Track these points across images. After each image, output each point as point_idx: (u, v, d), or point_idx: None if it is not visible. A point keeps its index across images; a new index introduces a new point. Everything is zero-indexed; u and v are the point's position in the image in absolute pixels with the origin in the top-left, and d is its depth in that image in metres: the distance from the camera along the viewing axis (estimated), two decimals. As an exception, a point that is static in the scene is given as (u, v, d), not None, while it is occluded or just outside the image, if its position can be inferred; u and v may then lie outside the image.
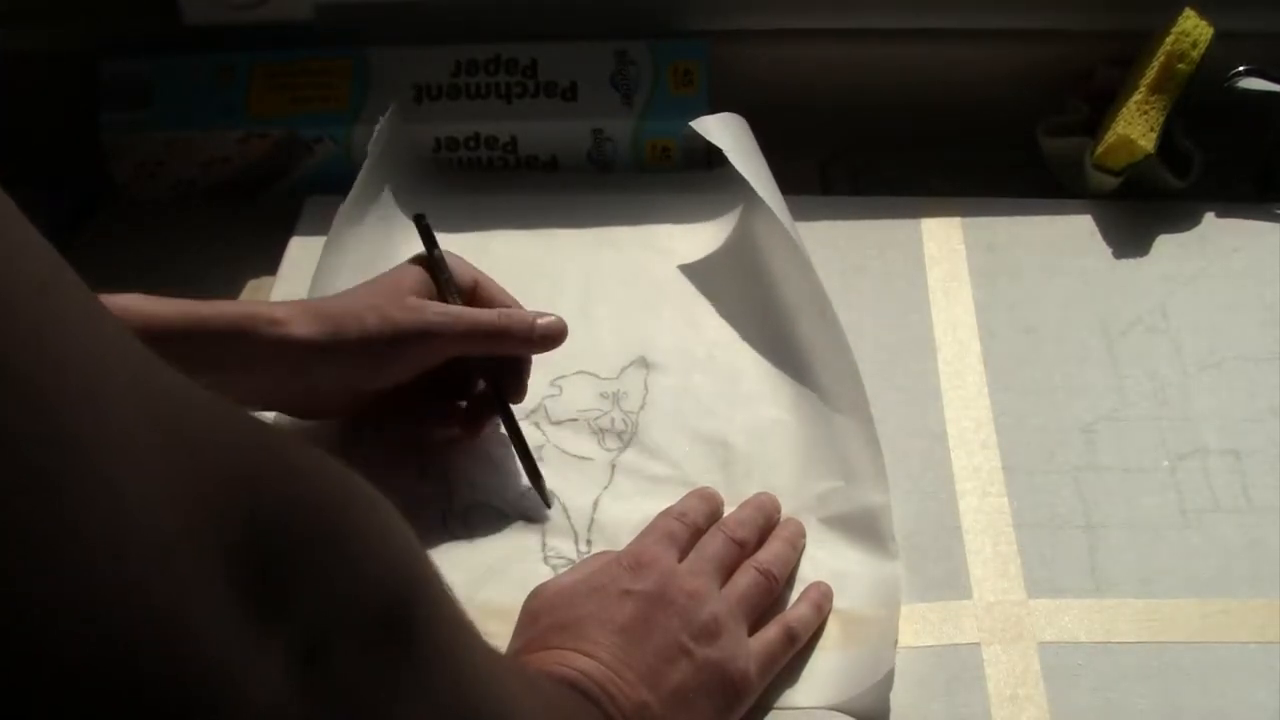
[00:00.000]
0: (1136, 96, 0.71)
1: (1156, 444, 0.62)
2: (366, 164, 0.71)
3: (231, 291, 0.74)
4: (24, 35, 0.80)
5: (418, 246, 0.64)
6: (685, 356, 0.68)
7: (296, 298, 0.66)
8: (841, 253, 0.72)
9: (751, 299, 0.70)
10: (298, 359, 0.57)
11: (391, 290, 0.60)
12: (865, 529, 0.59)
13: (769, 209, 0.67)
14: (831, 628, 0.56)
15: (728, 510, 0.60)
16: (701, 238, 0.74)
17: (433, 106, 0.78)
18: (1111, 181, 0.73)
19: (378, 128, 0.73)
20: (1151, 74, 0.71)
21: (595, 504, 0.62)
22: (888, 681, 0.53)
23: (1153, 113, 0.71)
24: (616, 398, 0.66)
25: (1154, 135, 0.71)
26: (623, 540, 0.59)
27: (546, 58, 0.78)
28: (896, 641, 0.54)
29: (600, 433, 0.65)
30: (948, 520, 0.60)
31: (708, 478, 0.62)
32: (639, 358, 0.68)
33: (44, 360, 0.25)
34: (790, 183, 0.69)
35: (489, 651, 0.39)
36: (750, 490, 0.61)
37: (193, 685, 0.25)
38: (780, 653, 0.53)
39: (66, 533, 0.24)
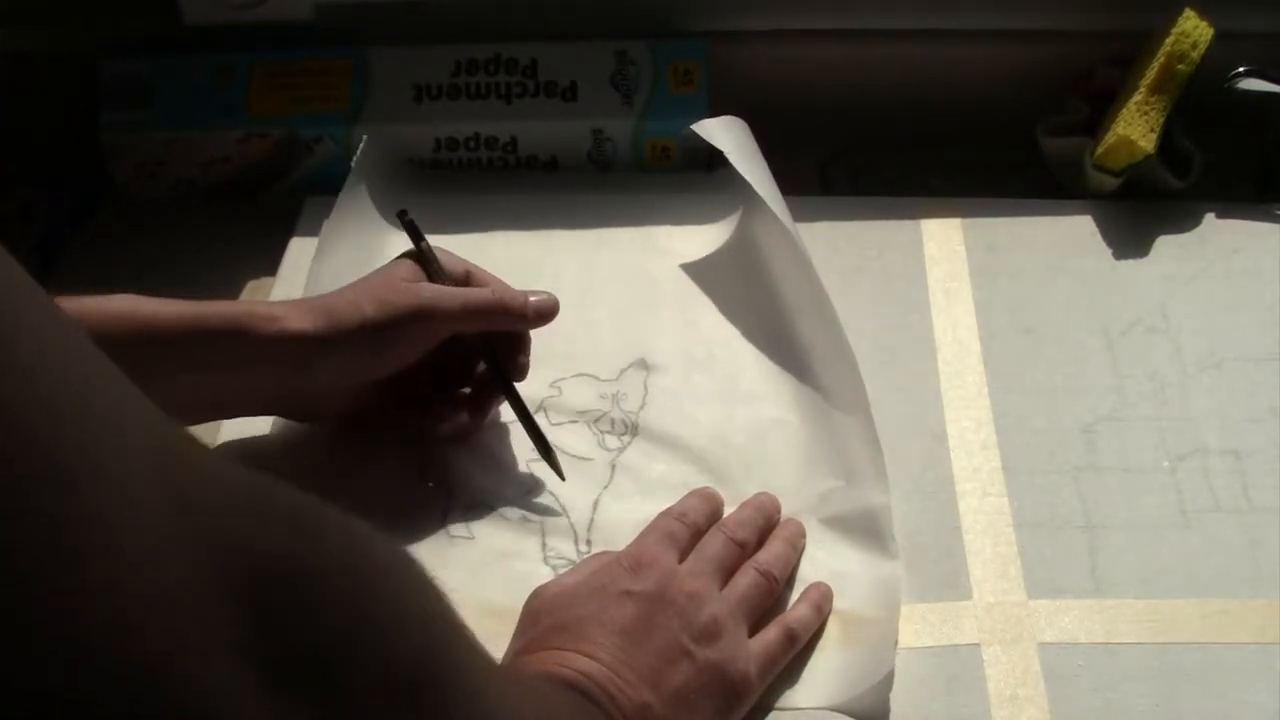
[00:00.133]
0: (1137, 97, 0.71)
1: (1157, 444, 0.62)
2: (348, 181, 0.72)
3: (231, 291, 0.74)
4: (24, 35, 0.80)
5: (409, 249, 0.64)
6: (685, 357, 0.68)
7: (295, 298, 0.66)
8: (841, 253, 0.72)
9: (751, 299, 0.70)
10: (298, 353, 0.57)
11: (385, 279, 0.60)
12: (865, 529, 0.59)
13: (769, 210, 0.67)
14: (831, 628, 0.56)
15: (728, 511, 0.60)
16: (701, 239, 0.74)
17: (433, 106, 0.78)
18: (1112, 182, 0.73)
19: (356, 156, 0.73)
20: (1152, 74, 0.71)
21: (595, 504, 0.62)
22: (888, 682, 0.53)
23: (1153, 113, 0.71)
24: (616, 398, 0.66)
25: (1154, 136, 0.71)
26: (623, 540, 0.59)
27: (546, 58, 0.78)
28: (896, 642, 0.54)
29: (600, 433, 0.65)
30: (948, 521, 0.60)
31: (708, 477, 0.62)
32: (639, 359, 0.68)
33: (47, 411, 0.26)
34: (790, 183, 0.69)
35: (515, 691, 0.38)
36: (751, 490, 0.61)
37: None
38: (780, 654, 0.53)
39: (64, 565, 0.24)
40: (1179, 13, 0.72)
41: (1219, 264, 0.71)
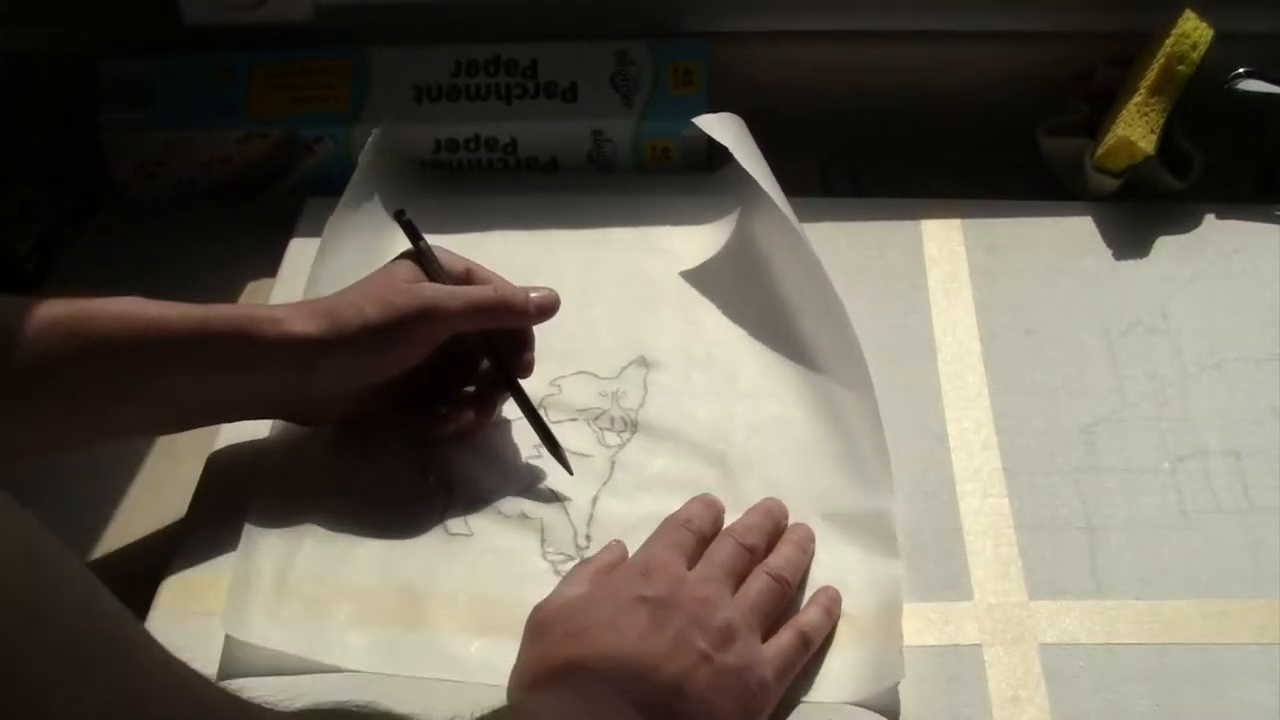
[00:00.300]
0: (1137, 98, 0.71)
1: (1157, 445, 0.62)
2: (353, 179, 0.71)
3: (231, 292, 0.74)
4: (24, 35, 0.80)
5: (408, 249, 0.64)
6: (684, 355, 0.68)
7: (296, 299, 0.66)
8: (841, 253, 0.72)
9: (751, 298, 0.70)
10: (301, 357, 0.57)
11: (386, 280, 0.60)
12: (869, 529, 0.58)
13: (770, 208, 0.67)
14: (840, 629, 0.55)
15: (730, 516, 0.60)
16: (701, 239, 0.74)
17: (433, 107, 0.78)
18: (1112, 183, 0.73)
19: (364, 151, 0.73)
20: (1152, 75, 0.71)
21: (594, 501, 0.62)
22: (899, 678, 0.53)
23: (1153, 114, 0.71)
24: (616, 396, 0.66)
25: (1154, 137, 0.71)
26: (622, 537, 0.59)
27: (546, 58, 0.78)
28: (903, 639, 0.54)
29: (600, 430, 0.65)
30: (948, 521, 0.60)
31: (708, 474, 0.62)
32: (638, 357, 0.68)
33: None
34: (790, 183, 0.69)
35: None
36: (752, 486, 0.61)
37: None
38: (795, 658, 0.53)
39: None
40: (1179, 13, 0.72)
41: (1219, 264, 0.71)
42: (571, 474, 0.62)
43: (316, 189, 0.77)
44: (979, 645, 0.55)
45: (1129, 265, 0.71)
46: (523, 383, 0.63)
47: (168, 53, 0.79)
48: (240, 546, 0.58)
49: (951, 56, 0.79)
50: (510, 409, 0.64)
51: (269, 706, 0.36)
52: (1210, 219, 0.73)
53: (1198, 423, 0.63)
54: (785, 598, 0.55)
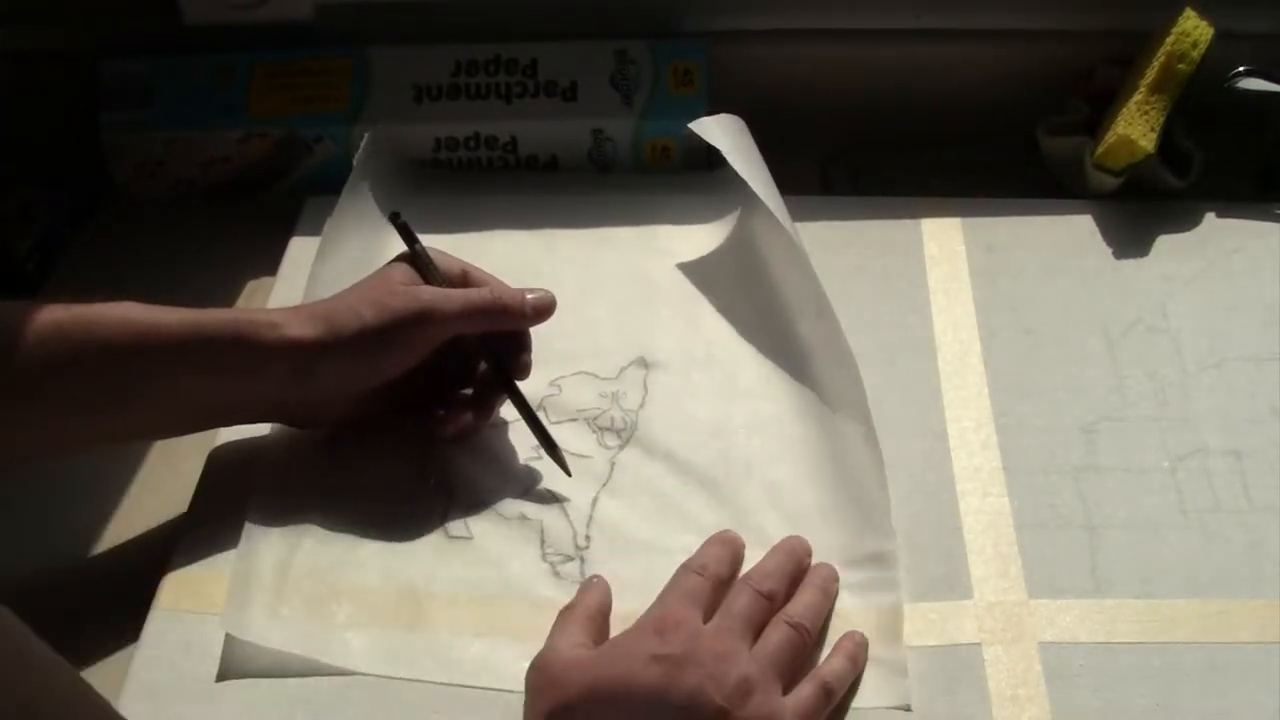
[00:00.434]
0: (1137, 97, 0.71)
1: (1157, 444, 0.62)
2: (349, 181, 0.71)
3: (231, 292, 0.74)
4: (24, 35, 0.80)
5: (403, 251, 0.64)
6: (684, 356, 0.68)
7: (296, 298, 0.66)
8: (841, 253, 0.72)
9: (751, 298, 0.70)
10: (299, 361, 0.57)
11: (382, 283, 0.60)
12: (863, 532, 0.58)
13: (763, 209, 0.67)
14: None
15: (731, 522, 0.59)
16: (701, 239, 0.74)
17: (433, 106, 0.78)
18: (1112, 181, 0.73)
19: (358, 154, 0.73)
20: (1152, 74, 0.71)
21: (594, 502, 0.62)
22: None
23: (1153, 113, 0.71)
24: (616, 397, 0.66)
25: (1154, 135, 0.71)
26: (622, 538, 0.59)
27: (546, 58, 0.78)
28: (905, 649, 0.54)
29: (600, 431, 0.65)
30: (948, 520, 0.60)
31: (708, 475, 0.62)
32: (638, 357, 0.68)
33: None
34: (790, 183, 0.69)
35: None
36: (751, 489, 0.61)
37: None
38: (817, 710, 0.51)
39: None
40: (1179, 13, 0.72)
41: (1219, 264, 0.71)
42: (569, 475, 0.62)
43: (316, 189, 0.77)
44: (979, 644, 0.55)
45: (1129, 264, 0.71)
46: (522, 384, 0.63)
47: (168, 53, 0.79)
48: (240, 545, 0.58)
49: (951, 56, 0.79)
50: (509, 410, 0.64)
51: None
52: (1210, 218, 0.73)
53: (1198, 422, 0.63)
54: (806, 646, 0.53)
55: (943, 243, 0.73)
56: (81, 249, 0.79)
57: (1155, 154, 0.71)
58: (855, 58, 0.80)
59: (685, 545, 0.58)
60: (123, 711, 0.42)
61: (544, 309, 0.62)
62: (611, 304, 0.71)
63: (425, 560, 0.59)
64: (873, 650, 0.54)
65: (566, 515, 0.61)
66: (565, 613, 0.55)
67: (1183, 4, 0.72)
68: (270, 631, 0.55)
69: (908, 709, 0.53)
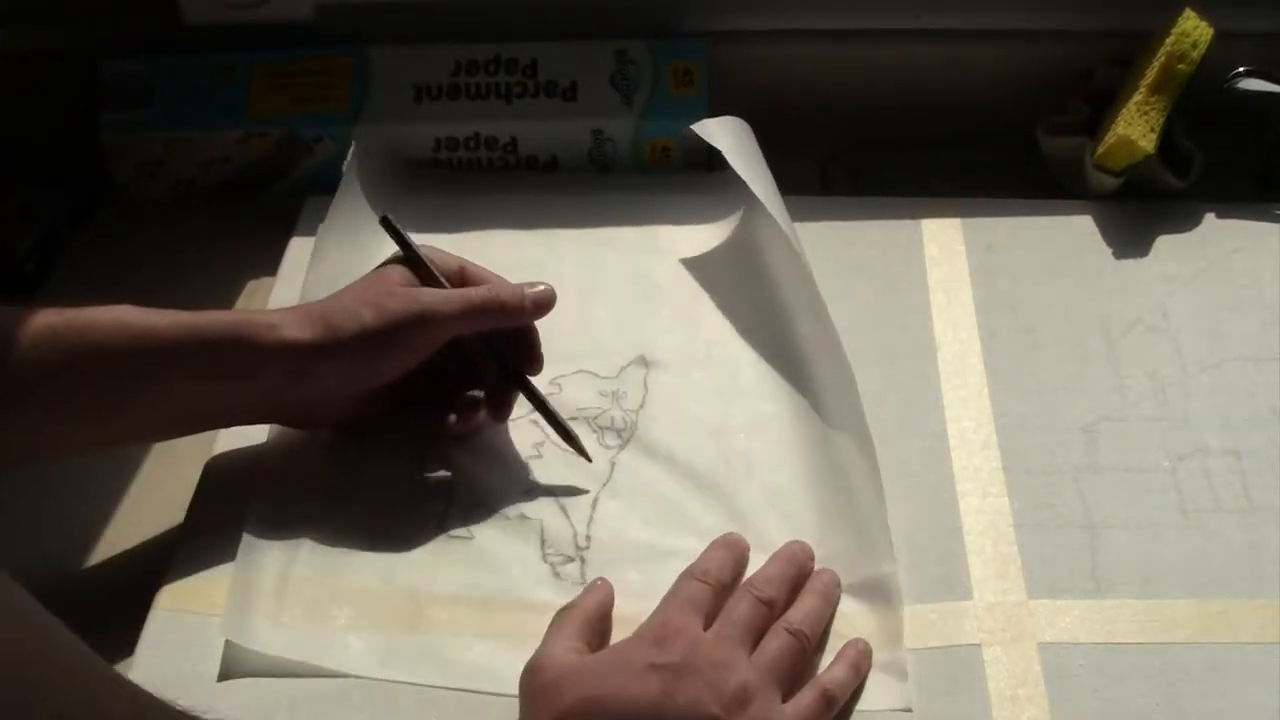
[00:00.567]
0: (1137, 97, 0.71)
1: (1157, 444, 0.62)
2: (340, 187, 0.71)
3: (231, 292, 0.74)
4: (24, 35, 0.80)
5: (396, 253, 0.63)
6: (684, 355, 0.68)
7: (296, 298, 0.66)
8: (841, 253, 0.72)
9: (751, 298, 0.70)
10: (296, 362, 0.56)
11: (380, 284, 0.59)
12: (862, 532, 0.58)
13: (764, 212, 0.67)
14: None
15: (732, 524, 0.59)
16: (701, 239, 0.74)
17: (433, 106, 0.78)
18: (1112, 182, 0.73)
19: (345, 164, 0.73)
20: (1152, 74, 0.71)
21: (594, 502, 0.62)
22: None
23: (1153, 113, 0.71)
24: (616, 396, 0.66)
25: (1154, 136, 0.71)
26: (621, 539, 0.59)
27: (546, 58, 0.78)
28: (906, 651, 0.54)
29: (600, 430, 0.65)
30: (948, 521, 0.60)
31: (708, 476, 0.62)
32: (638, 357, 0.68)
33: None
34: (790, 183, 0.69)
35: None
36: (751, 490, 0.61)
37: None
38: (818, 718, 0.51)
39: None
40: (1179, 13, 0.72)
41: (1219, 264, 0.71)
42: (590, 460, 0.62)
43: (316, 189, 0.77)
44: (978, 645, 0.55)
45: (1129, 264, 0.71)
46: (540, 349, 0.63)
47: (168, 53, 0.79)
48: (240, 550, 0.58)
49: (951, 56, 0.79)
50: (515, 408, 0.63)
51: None
52: (1210, 218, 0.73)
53: (1198, 422, 0.63)
54: (806, 653, 0.53)
55: (943, 243, 0.73)
56: (81, 249, 0.79)
57: (1155, 154, 0.71)
58: (855, 58, 0.80)
59: (685, 547, 0.58)
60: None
61: (544, 303, 0.62)
62: (612, 304, 0.71)
63: (425, 562, 0.59)
64: (873, 654, 0.54)
65: (567, 516, 0.61)
66: (562, 614, 0.55)
67: (1183, 4, 0.72)
68: (271, 638, 0.55)
69: (908, 711, 0.53)
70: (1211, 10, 0.72)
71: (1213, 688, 0.53)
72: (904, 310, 0.69)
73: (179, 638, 0.56)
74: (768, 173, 0.69)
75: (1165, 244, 0.72)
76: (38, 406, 0.54)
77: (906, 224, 0.74)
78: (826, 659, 0.54)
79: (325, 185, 0.75)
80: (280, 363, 0.56)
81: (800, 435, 0.64)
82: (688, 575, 0.55)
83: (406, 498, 0.62)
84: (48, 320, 0.53)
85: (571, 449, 0.62)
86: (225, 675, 0.54)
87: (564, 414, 0.65)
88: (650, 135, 0.77)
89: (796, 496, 0.61)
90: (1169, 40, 0.71)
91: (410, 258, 0.62)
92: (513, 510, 0.61)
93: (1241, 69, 0.73)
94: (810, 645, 0.54)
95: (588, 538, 0.60)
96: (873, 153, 0.81)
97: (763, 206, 0.67)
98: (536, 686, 0.50)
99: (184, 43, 0.79)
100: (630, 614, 0.55)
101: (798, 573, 0.57)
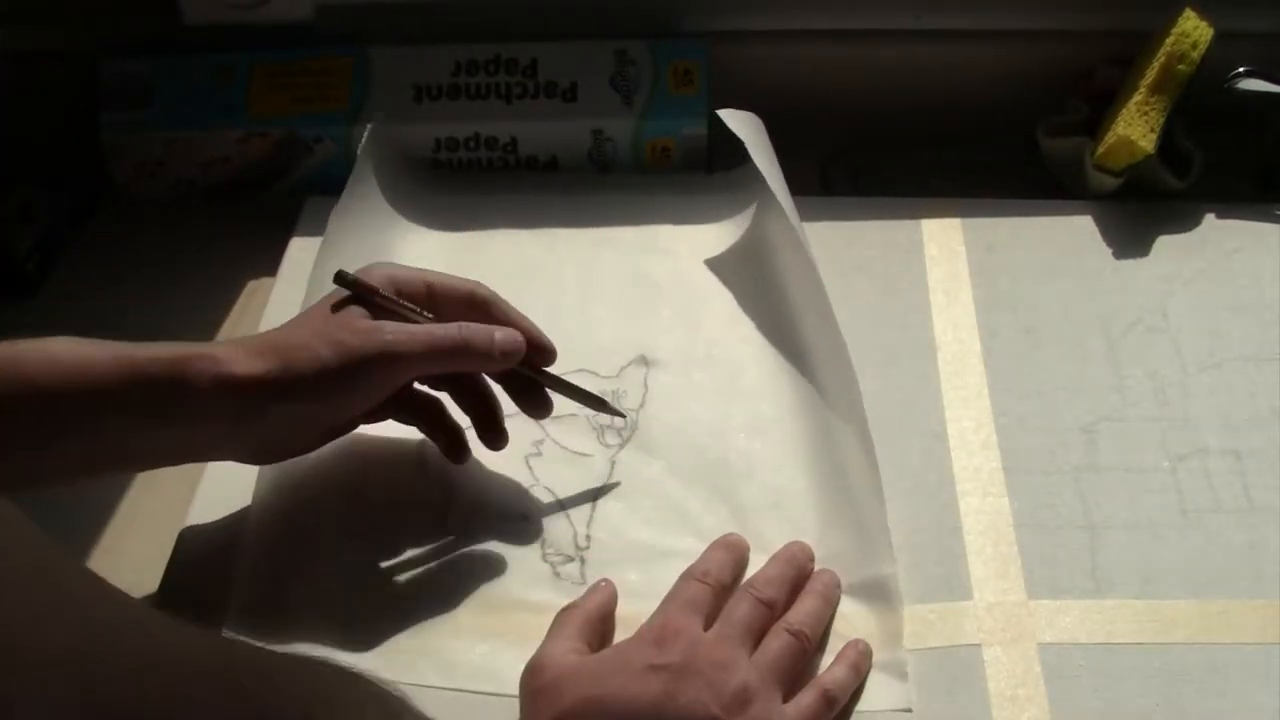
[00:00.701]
0: (1137, 97, 0.71)
1: (1157, 444, 0.62)
2: (354, 172, 0.71)
3: (231, 292, 0.74)
4: (24, 35, 0.80)
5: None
6: (684, 355, 0.68)
7: (297, 298, 0.66)
8: (841, 253, 0.72)
9: (755, 298, 0.70)
10: (247, 400, 0.53)
11: (340, 319, 0.55)
12: (862, 533, 0.58)
13: (776, 210, 0.67)
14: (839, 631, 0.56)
15: (732, 525, 0.59)
16: (701, 239, 0.74)
17: (433, 106, 0.78)
18: (1112, 182, 0.73)
19: (364, 137, 0.72)
20: (1152, 74, 0.71)
21: (594, 502, 0.62)
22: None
23: (1153, 113, 0.71)
24: (616, 396, 0.66)
25: (1154, 136, 0.71)
26: (620, 540, 0.59)
27: (546, 58, 0.78)
28: (906, 652, 0.54)
29: (600, 429, 0.65)
30: (948, 521, 0.60)
31: (708, 476, 0.62)
32: (638, 356, 0.68)
33: None
34: (790, 183, 0.69)
35: None
36: (752, 491, 0.61)
37: None
38: (818, 718, 0.51)
39: None
40: (1179, 13, 0.72)
41: (1219, 264, 0.71)
42: (624, 417, 0.63)
43: (316, 189, 0.77)
44: (978, 645, 0.55)
45: (1129, 265, 0.71)
46: (520, 381, 0.62)
47: (168, 53, 0.79)
48: (242, 550, 0.58)
49: (951, 56, 0.79)
50: (508, 404, 0.63)
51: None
52: (1210, 219, 0.73)
53: (1198, 422, 0.63)
54: (806, 654, 0.53)
55: (943, 243, 0.73)
56: (81, 249, 0.79)
57: (1155, 154, 0.71)
58: (855, 58, 0.80)
59: (685, 548, 0.58)
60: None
61: (512, 353, 0.58)
62: (611, 303, 0.71)
63: (425, 563, 0.59)
64: (873, 655, 0.54)
65: (567, 516, 0.61)
66: (563, 614, 0.55)
67: (1183, 4, 0.72)
68: (270, 637, 0.55)
69: (908, 711, 0.53)
70: (1211, 10, 0.72)
71: (1213, 688, 0.53)
72: (904, 310, 0.69)
73: (179, 638, 0.55)
74: (779, 170, 0.69)
75: (1165, 244, 0.72)
76: None
77: (906, 224, 0.74)
78: (827, 659, 0.54)
79: (325, 185, 0.75)
80: (227, 402, 0.53)
81: (800, 435, 0.64)
82: (688, 576, 0.55)
83: (407, 497, 0.62)
84: None
85: (607, 413, 0.63)
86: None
87: (564, 413, 0.64)
88: (650, 135, 0.77)
89: (796, 497, 0.61)
90: (1169, 40, 0.71)
91: (375, 306, 0.57)
92: (513, 509, 0.61)
93: (1241, 69, 0.73)
94: (810, 646, 0.54)
95: (588, 538, 0.60)
96: (873, 153, 0.81)
97: (772, 205, 0.67)
98: (537, 687, 0.50)
99: (184, 43, 0.79)
100: (630, 614, 0.55)
101: (798, 573, 0.57)
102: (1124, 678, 0.54)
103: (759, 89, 0.78)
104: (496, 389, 0.62)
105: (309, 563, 0.58)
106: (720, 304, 0.71)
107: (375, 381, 0.55)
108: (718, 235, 0.74)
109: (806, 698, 0.51)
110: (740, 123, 0.70)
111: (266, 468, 0.61)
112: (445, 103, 0.78)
